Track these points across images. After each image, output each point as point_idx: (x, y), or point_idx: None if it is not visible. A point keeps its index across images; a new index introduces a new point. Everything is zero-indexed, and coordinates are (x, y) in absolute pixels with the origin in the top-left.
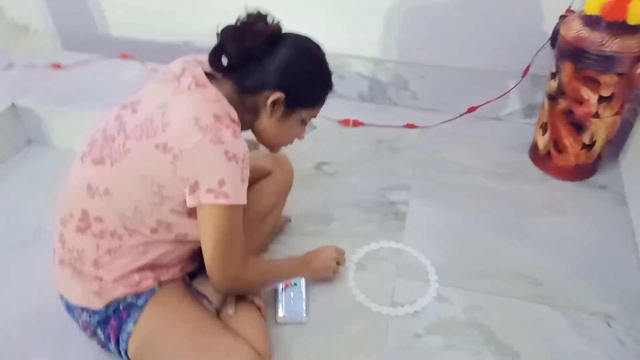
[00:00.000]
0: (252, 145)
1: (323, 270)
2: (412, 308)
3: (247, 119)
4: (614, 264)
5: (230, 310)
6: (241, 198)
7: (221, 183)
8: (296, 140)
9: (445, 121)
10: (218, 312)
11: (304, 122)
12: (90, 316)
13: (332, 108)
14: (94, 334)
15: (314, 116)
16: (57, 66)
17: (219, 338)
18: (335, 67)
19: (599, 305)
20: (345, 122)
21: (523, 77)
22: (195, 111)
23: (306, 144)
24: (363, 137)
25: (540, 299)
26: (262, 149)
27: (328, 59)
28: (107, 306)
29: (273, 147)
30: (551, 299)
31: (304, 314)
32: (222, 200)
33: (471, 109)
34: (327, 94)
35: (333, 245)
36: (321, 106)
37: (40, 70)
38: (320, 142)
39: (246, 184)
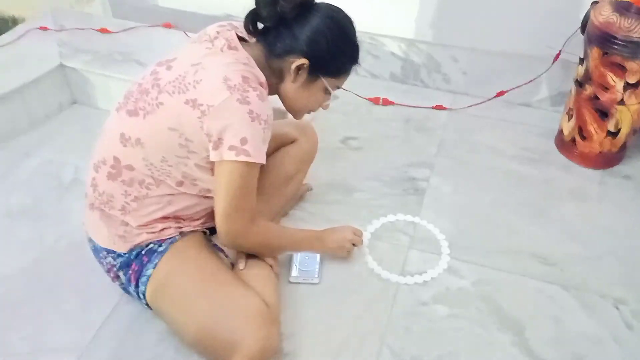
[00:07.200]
0: (280, 114)
1: (337, 250)
2: (421, 278)
3: (274, 83)
4: (631, 252)
5: (241, 265)
6: (260, 157)
7: (243, 141)
8: (325, 114)
9: (475, 104)
10: (233, 267)
11: (327, 92)
12: (114, 259)
13: (363, 86)
14: (116, 277)
15: (338, 87)
16: (104, 31)
17: (230, 287)
18: (369, 47)
19: (611, 290)
20: (375, 101)
21: (553, 62)
22: (226, 71)
23: (335, 118)
24: (392, 115)
25: (551, 278)
26: (289, 117)
27: (363, 37)
28: (131, 250)
29: (296, 113)
30: (562, 280)
31: (317, 276)
32: (242, 157)
33: (500, 93)
34: (351, 67)
35: (352, 226)
36: (345, 78)
37: (89, 33)
38: (349, 117)
39: (266, 145)
